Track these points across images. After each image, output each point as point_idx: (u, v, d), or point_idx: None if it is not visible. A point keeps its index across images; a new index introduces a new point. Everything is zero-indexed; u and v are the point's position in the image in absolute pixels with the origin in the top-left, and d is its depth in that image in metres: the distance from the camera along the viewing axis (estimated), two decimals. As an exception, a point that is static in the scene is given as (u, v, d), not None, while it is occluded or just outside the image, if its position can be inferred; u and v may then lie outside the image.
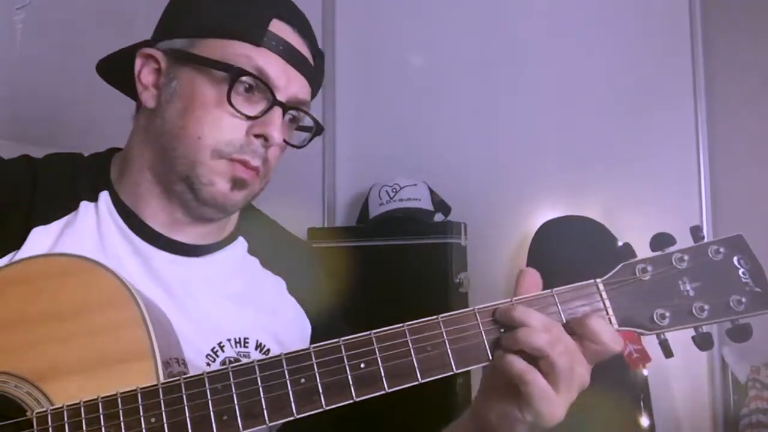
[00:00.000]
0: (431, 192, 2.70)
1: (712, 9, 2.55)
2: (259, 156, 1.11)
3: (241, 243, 1.25)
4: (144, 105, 1.15)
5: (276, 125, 1.10)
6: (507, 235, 2.70)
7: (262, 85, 1.09)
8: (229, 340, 1.15)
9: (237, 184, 1.11)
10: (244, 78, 1.09)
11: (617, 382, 2.11)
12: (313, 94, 1.20)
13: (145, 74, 1.15)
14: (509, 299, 0.95)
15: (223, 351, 1.14)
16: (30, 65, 2.11)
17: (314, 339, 1.19)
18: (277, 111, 1.11)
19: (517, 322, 0.92)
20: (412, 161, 2.81)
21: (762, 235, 1.08)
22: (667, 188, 2.49)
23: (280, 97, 1.11)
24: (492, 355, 0.93)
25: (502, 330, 0.94)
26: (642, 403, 2.21)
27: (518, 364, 0.91)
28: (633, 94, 2.59)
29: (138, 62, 1.15)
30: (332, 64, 2.97)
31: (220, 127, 1.09)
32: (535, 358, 0.91)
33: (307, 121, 1.21)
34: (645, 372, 2.25)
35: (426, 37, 2.88)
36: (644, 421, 2.20)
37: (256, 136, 1.10)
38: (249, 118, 1.09)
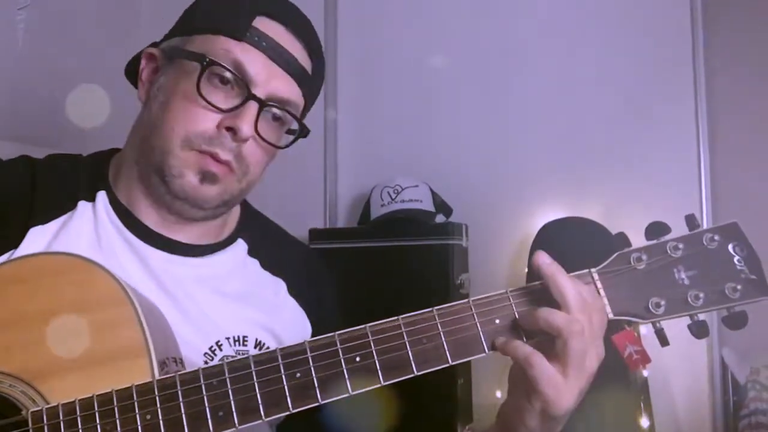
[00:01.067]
0: (433, 193, 2.70)
1: (712, 7, 2.54)
2: (229, 150, 1.10)
3: (241, 245, 1.25)
4: (140, 101, 1.17)
5: (246, 119, 1.08)
6: (508, 236, 2.70)
7: (238, 78, 1.09)
8: (227, 338, 1.15)
9: (206, 177, 1.10)
10: (217, 69, 1.08)
11: (617, 383, 2.10)
12: (308, 96, 1.19)
13: (146, 73, 1.17)
14: (504, 290, 0.95)
15: (221, 350, 1.13)
16: (30, 65, 2.12)
17: None
18: (252, 106, 1.09)
19: (558, 288, 0.92)
20: (414, 163, 2.81)
21: (764, 235, 1.07)
22: (667, 188, 2.49)
23: (258, 92, 1.10)
24: (488, 347, 0.93)
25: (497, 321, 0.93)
26: (642, 404, 2.20)
27: (522, 347, 0.92)
28: (633, 93, 2.58)
29: (142, 62, 1.17)
30: (334, 65, 2.97)
31: (192, 118, 1.09)
32: (552, 338, 0.91)
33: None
34: (645, 373, 2.24)
35: (427, 39, 2.88)
36: (644, 422, 2.19)
37: (227, 129, 1.09)
38: (221, 110, 1.09)
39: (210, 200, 1.13)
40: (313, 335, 1.24)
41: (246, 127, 1.08)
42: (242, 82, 1.09)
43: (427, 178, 2.71)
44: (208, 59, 1.07)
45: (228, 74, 1.09)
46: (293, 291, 1.26)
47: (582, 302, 0.92)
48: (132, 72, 1.22)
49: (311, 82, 1.19)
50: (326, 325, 1.20)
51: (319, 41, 1.19)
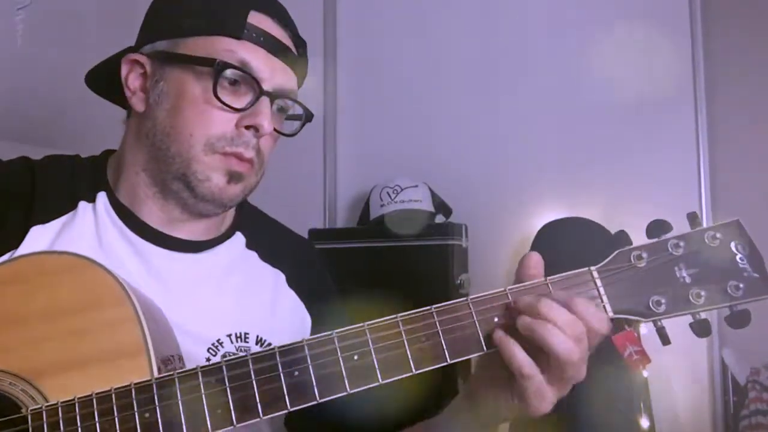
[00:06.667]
0: (432, 193, 2.70)
1: (712, 6, 2.54)
2: (252, 147, 1.12)
3: (239, 238, 1.26)
4: (134, 109, 1.16)
5: (265, 115, 1.11)
6: (508, 236, 2.70)
7: (247, 77, 1.11)
8: (229, 335, 1.16)
9: (233, 177, 1.13)
10: (228, 71, 1.10)
11: (617, 383, 2.10)
12: (299, 83, 1.21)
13: (132, 79, 1.16)
14: (504, 288, 0.95)
15: (222, 347, 1.14)
16: (30, 65, 2.12)
17: (315, 332, 1.19)
18: (265, 101, 1.12)
19: (542, 317, 0.89)
20: (413, 163, 2.81)
21: (764, 234, 1.07)
22: (667, 188, 2.49)
23: (266, 87, 1.12)
24: (486, 346, 0.92)
25: (495, 319, 0.93)
26: (642, 405, 2.20)
27: (520, 356, 0.89)
28: (633, 94, 2.58)
29: (124, 68, 1.17)
30: (334, 65, 2.98)
31: (210, 122, 1.10)
32: (540, 349, 0.89)
33: (297, 110, 1.21)
34: (645, 373, 2.24)
35: (427, 39, 2.88)
36: (644, 423, 2.19)
37: (247, 127, 1.11)
38: (237, 110, 1.11)
39: (234, 197, 1.16)
40: (312, 327, 1.25)
41: (267, 123, 1.11)
42: (252, 80, 1.11)
43: (426, 178, 2.71)
44: (220, 62, 1.08)
45: (238, 74, 1.10)
46: (292, 283, 1.27)
47: (574, 321, 0.89)
48: (100, 81, 1.23)
49: (301, 67, 1.21)
50: (326, 318, 1.21)
51: (296, 25, 1.21)
